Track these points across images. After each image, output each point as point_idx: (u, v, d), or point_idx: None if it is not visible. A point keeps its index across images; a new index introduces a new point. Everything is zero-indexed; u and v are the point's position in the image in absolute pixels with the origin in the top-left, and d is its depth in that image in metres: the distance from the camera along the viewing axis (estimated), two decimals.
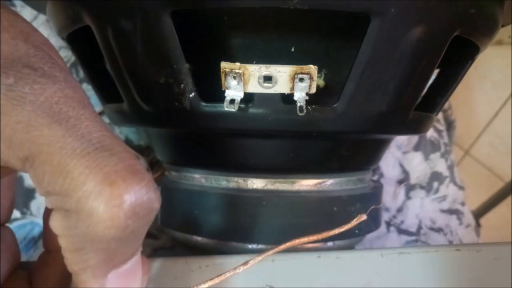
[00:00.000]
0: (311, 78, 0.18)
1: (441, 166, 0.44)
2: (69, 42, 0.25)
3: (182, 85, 0.20)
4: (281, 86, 0.19)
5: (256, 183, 0.25)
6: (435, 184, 0.43)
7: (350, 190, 0.26)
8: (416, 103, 0.23)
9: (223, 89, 0.19)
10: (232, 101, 0.19)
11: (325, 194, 0.25)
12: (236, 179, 0.25)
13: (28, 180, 0.37)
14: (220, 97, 0.19)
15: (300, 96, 0.19)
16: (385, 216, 0.41)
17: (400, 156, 0.43)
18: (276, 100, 0.20)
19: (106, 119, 0.37)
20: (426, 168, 0.43)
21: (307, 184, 0.25)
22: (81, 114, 0.13)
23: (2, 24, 0.13)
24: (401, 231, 0.41)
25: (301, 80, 0.18)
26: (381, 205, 0.28)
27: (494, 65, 1.03)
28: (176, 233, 0.27)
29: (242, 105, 0.20)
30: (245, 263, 0.20)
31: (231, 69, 0.18)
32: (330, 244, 0.26)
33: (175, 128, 0.24)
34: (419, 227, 0.42)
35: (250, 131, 0.22)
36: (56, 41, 0.40)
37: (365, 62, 0.19)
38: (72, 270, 0.13)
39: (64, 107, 0.12)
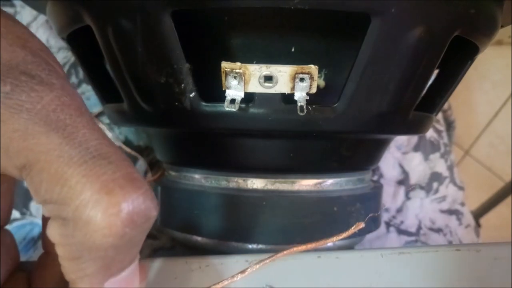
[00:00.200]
0: (311, 78, 0.18)
1: (440, 167, 0.44)
2: (69, 42, 0.25)
3: (183, 85, 0.20)
4: (282, 86, 0.19)
5: (256, 183, 0.25)
6: (435, 185, 0.43)
7: (350, 190, 0.26)
8: (416, 103, 0.23)
9: (223, 89, 0.19)
10: (232, 101, 0.19)
11: (325, 194, 0.25)
12: (236, 179, 0.25)
13: None
14: (221, 97, 0.19)
15: (300, 96, 0.19)
16: (384, 217, 0.41)
17: (399, 157, 0.43)
18: (277, 100, 0.20)
19: (106, 119, 0.37)
20: (426, 169, 0.43)
21: (307, 184, 0.25)
22: (79, 122, 0.13)
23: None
24: (401, 232, 0.41)
25: (302, 80, 0.18)
26: (380, 209, 0.28)
27: (494, 65, 1.03)
28: (176, 233, 0.27)
29: (243, 105, 0.20)
30: (243, 271, 0.20)
31: (232, 69, 0.18)
32: (330, 244, 0.26)
33: (175, 128, 0.24)
34: (419, 228, 0.42)
35: (250, 131, 0.22)
36: (56, 42, 0.40)
37: (366, 62, 0.19)
38: (70, 278, 0.13)
39: (61, 115, 0.12)
